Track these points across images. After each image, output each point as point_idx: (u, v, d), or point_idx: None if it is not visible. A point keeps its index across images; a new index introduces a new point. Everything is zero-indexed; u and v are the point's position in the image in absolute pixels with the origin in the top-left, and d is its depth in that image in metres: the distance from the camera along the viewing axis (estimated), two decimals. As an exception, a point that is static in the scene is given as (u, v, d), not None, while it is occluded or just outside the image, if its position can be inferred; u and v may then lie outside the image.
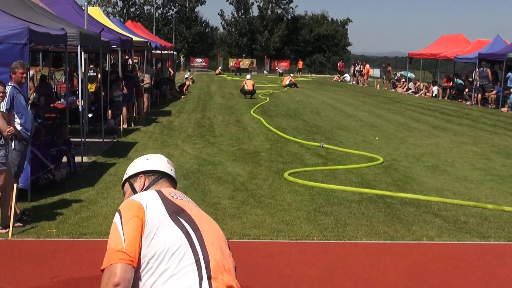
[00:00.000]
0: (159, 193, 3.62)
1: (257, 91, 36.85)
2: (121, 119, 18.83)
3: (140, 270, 3.32)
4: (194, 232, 3.41)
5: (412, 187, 12.30)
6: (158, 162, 3.93)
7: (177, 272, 3.25)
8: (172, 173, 3.95)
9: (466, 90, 37.08)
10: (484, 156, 16.53)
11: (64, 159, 12.45)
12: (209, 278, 3.26)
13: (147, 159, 3.95)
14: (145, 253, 3.32)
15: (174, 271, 3.26)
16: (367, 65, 58.47)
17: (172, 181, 3.94)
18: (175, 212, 3.47)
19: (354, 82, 59.34)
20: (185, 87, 37.74)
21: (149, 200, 3.52)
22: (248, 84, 35.19)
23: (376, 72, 68.54)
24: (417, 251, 8.35)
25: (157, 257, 3.29)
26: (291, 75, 54.50)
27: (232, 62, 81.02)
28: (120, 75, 20.23)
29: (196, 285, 3.22)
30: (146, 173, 3.87)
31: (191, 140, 17.90)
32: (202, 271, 3.27)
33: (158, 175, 3.87)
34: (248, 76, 40.21)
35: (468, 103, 35.56)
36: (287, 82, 47.89)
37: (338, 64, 70.36)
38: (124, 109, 20.24)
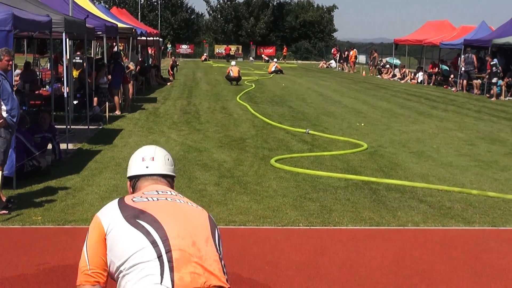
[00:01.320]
0: (120, 202, 3.76)
1: (243, 78, 36.81)
2: (106, 106, 18.75)
3: (115, 277, 3.56)
4: (155, 230, 3.51)
5: (398, 173, 12.35)
6: (133, 166, 4.14)
7: (143, 271, 3.38)
8: (148, 170, 4.08)
9: (452, 76, 37.19)
10: (469, 142, 16.61)
11: (49, 146, 12.41)
12: (171, 271, 3.35)
13: (130, 162, 4.20)
14: (114, 262, 3.52)
15: (141, 272, 3.38)
16: (353, 50, 58.41)
17: (153, 176, 4.09)
18: (134, 216, 3.59)
19: (340, 68, 59.42)
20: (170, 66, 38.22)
21: (108, 213, 3.70)
22: (234, 71, 35.15)
23: (362, 58, 68.58)
24: (402, 237, 8.39)
25: (124, 263, 3.46)
26: (275, 60, 54.44)
27: (218, 49, 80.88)
28: (105, 61, 20.18)
29: (158, 280, 3.34)
30: (129, 178, 4.15)
31: (176, 127, 17.87)
32: (164, 265, 3.37)
33: (134, 180, 4.10)
34: (233, 63, 40.15)
35: (453, 89, 35.69)
36: (273, 69, 47.82)
37: (332, 50, 70.01)
38: (116, 96, 20.30)
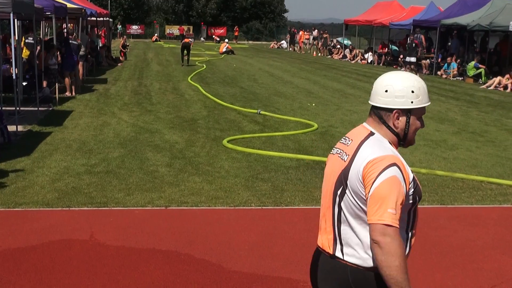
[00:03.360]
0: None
1: (194, 58, 36.64)
2: (56, 87, 18.52)
3: None
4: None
5: (348, 153, 12.43)
6: None
7: None
8: (372, 99, 3.58)
9: (401, 56, 37.53)
10: (418, 121, 16.80)
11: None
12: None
13: None
14: None
15: None
16: (302, 31, 58.66)
17: (374, 109, 3.52)
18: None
19: (290, 49, 59.56)
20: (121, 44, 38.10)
21: None
22: (186, 40, 34.81)
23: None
24: (353, 216, 8.48)
25: None
26: (226, 40, 54.31)
27: (169, 29, 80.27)
28: (54, 42, 19.92)
29: None
30: None
31: (127, 108, 17.74)
32: None
33: None
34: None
35: (402, 69, 36.01)
36: (224, 49, 47.74)
37: (292, 30, 69.99)
38: (67, 77, 20.04)
